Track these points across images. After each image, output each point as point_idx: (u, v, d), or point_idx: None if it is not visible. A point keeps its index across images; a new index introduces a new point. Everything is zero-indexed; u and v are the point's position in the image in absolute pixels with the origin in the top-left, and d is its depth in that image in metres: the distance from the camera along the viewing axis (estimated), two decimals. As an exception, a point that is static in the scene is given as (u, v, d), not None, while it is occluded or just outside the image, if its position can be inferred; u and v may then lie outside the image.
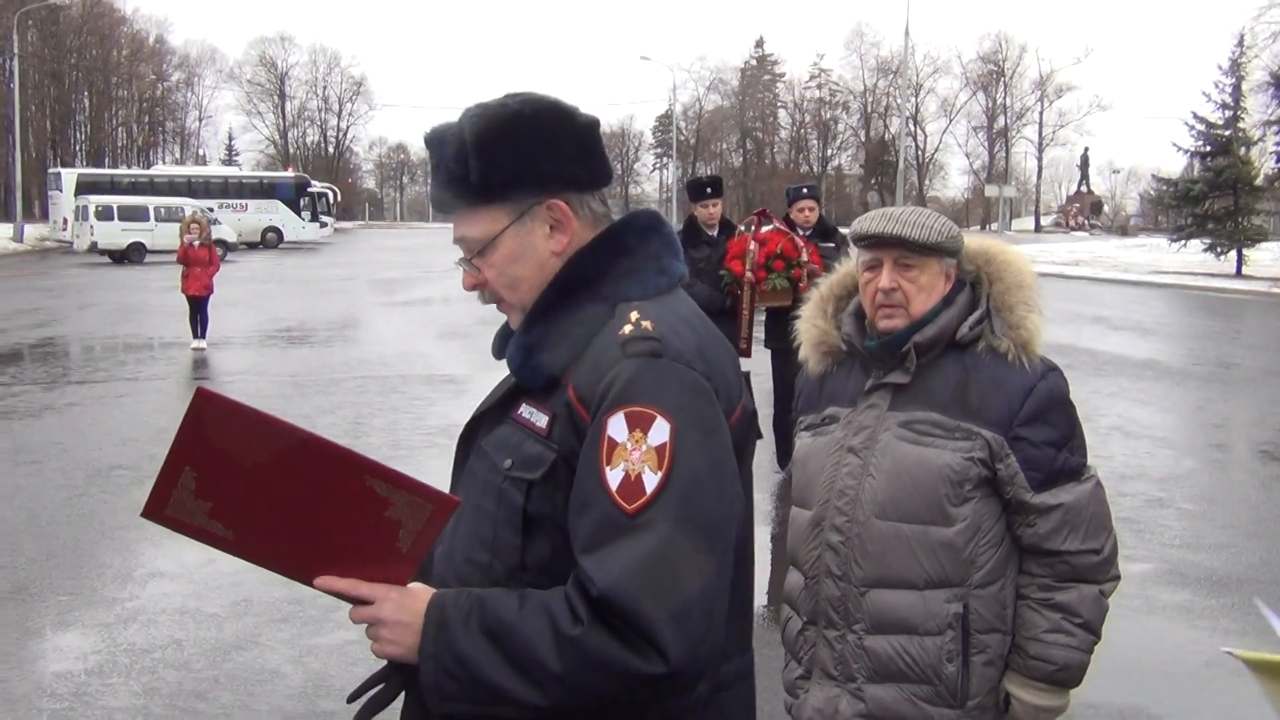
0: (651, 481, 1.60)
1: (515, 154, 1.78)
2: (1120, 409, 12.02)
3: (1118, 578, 2.56)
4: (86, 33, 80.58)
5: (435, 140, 1.83)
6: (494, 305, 1.90)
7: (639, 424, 1.63)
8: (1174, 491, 8.59)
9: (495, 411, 1.88)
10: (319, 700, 4.82)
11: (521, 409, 1.80)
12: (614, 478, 1.62)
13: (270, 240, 51.50)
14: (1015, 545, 2.51)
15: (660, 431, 1.62)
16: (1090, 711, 4.72)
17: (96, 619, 5.83)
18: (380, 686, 1.79)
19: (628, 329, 1.71)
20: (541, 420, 1.75)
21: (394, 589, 1.70)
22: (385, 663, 1.78)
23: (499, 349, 1.92)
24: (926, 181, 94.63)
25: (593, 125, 1.86)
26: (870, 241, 2.56)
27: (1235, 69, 41.03)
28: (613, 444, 1.63)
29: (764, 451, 8.68)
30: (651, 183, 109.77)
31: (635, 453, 1.61)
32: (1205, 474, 9.33)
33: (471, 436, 1.92)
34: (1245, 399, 13.10)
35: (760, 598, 5.67)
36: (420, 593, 1.71)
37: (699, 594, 1.60)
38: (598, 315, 1.77)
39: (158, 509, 1.65)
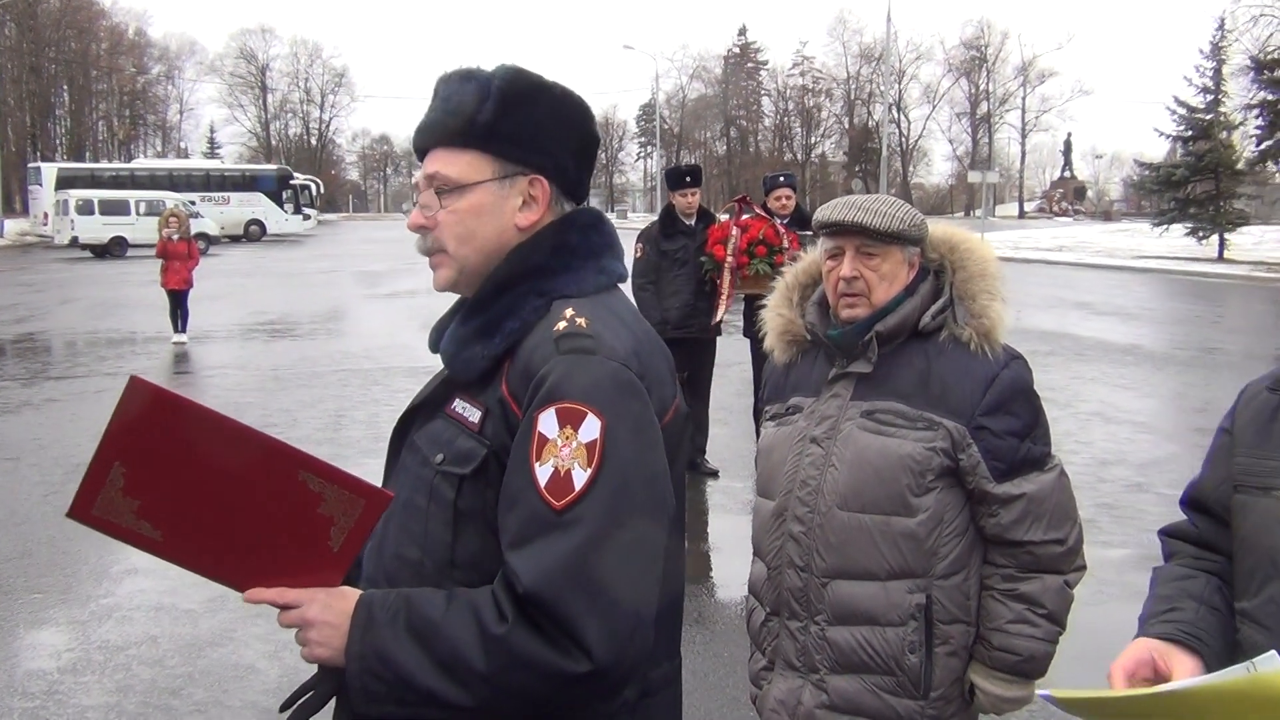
0: (581, 478, 1.59)
1: (530, 117, 1.78)
2: (1101, 394, 12.05)
3: (1083, 568, 2.54)
4: (65, 26, 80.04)
5: (460, 75, 1.82)
6: (428, 257, 1.86)
7: (570, 420, 1.61)
8: (1154, 476, 8.61)
9: (429, 405, 1.86)
10: (293, 696, 4.79)
11: (455, 403, 1.78)
12: (543, 474, 1.60)
13: (253, 233, 51.34)
14: (979, 536, 2.50)
15: (591, 428, 1.60)
16: (1066, 698, 4.72)
17: (70, 616, 5.79)
18: (311, 693, 1.75)
19: (562, 325, 1.70)
20: (474, 415, 1.73)
21: (320, 590, 1.68)
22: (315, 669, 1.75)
23: (435, 341, 1.90)
24: (910, 168, 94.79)
25: (597, 141, 1.90)
26: (832, 230, 2.53)
27: (1216, 53, 41.25)
28: (543, 440, 1.61)
29: (747, 441, 8.67)
30: (636, 172, 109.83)
31: (565, 449, 1.60)
32: (1186, 459, 9.32)
33: (405, 430, 1.90)
34: (1227, 383, 13.11)
35: (741, 589, 5.65)
36: (348, 593, 1.69)
37: (626, 593, 1.58)
38: (534, 310, 1.75)
39: (84, 508, 1.61)
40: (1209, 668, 1.64)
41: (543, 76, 1.82)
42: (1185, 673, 1.65)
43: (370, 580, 1.80)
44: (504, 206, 1.80)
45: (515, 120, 1.77)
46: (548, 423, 1.61)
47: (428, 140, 1.83)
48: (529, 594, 1.55)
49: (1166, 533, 1.99)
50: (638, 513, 1.62)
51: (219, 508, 1.62)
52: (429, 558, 1.73)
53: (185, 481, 1.60)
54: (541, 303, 1.76)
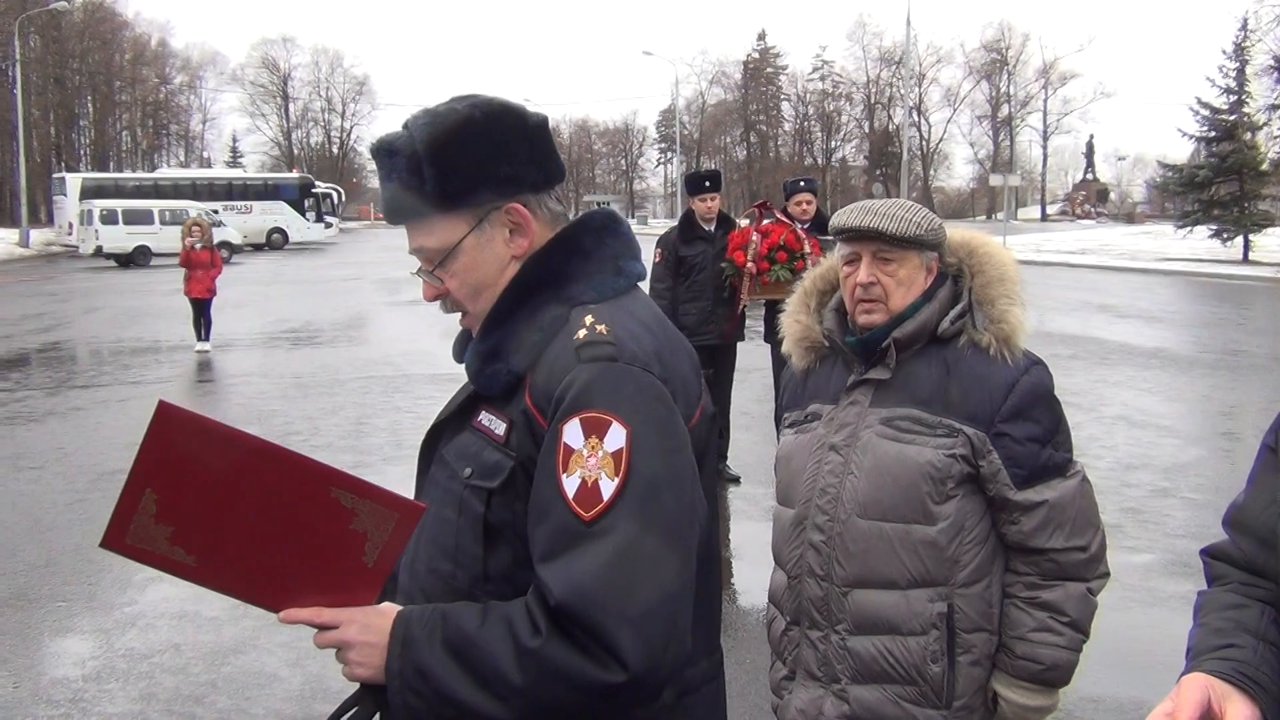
0: (608, 488, 1.58)
1: (470, 159, 1.74)
2: (1126, 398, 11.97)
3: (1106, 575, 2.51)
4: (89, 37, 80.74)
5: (384, 150, 1.78)
6: (457, 315, 1.87)
7: (595, 430, 1.60)
8: (1179, 481, 8.54)
9: (456, 419, 1.85)
10: (315, 704, 4.80)
11: (481, 416, 1.77)
12: (570, 485, 1.59)
13: (275, 241, 51.61)
14: (1001, 543, 2.47)
15: (616, 437, 1.59)
16: (1092, 705, 4.69)
17: (95, 624, 5.82)
18: (354, 711, 1.75)
19: (582, 333, 1.69)
20: (500, 427, 1.73)
21: (359, 610, 1.68)
22: (357, 686, 1.75)
23: (459, 352, 1.90)
24: (931, 172, 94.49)
25: (543, 124, 1.83)
26: (849, 235, 2.52)
27: (1239, 53, 40.92)
28: (569, 451, 1.60)
29: (769, 446, 8.64)
30: (656, 178, 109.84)
31: (591, 459, 1.59)
32: (1211, 463, 9.26)
33: (433, 444, 1.90)
34: (1253, 386, 13.02)
35: (763, 596, 5.64)
36: (385, 611, 1.69)
37: (659, 601, 1.57)
38: (554, 319, 1.74)
39: (118, 538, 1.60)
40: (1265, 715, 1.57)
41: (454, 107, 1.77)
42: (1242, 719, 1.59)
43: (405, 594, 1.80)
44: (494, 248, 1.79)
45: (457, 171, 1.74)
46: (572, 433, 1.61)
47: (395, 221, 1.82)
48: (561, 606, 1.54)
49: (1209, 553, 1.90)
50: (667, 519, 1.61)
51: (252, 529, 1.61)
52: (461, 571, 1.73)
53: (217, 505, 1.59)
54: (561, 311, 1.74)
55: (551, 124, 1.89)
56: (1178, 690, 1.56)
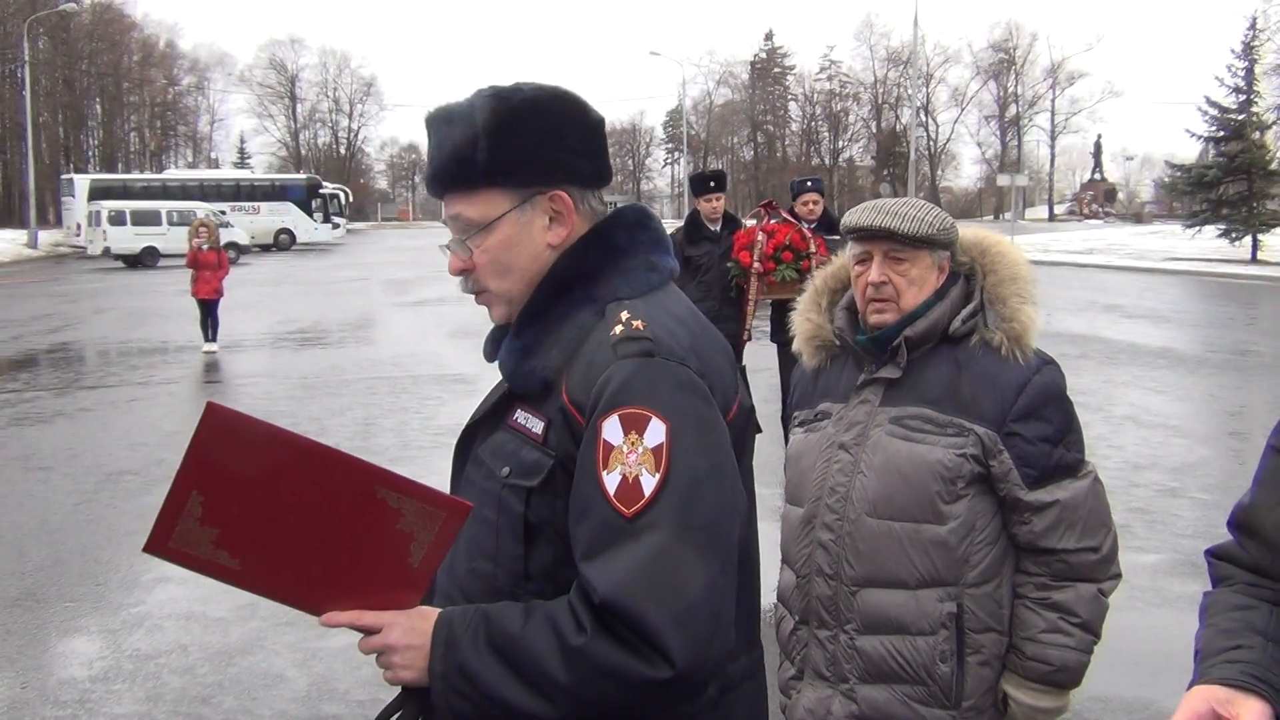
0: (649, 484, 1.57)
1: (526, 140, 1.75)
2: (1134, 398, 11.94)
3: (1118, 576, 2.49)
4: (97, 38, 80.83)
5: (442, 118, 1.79)
6: (475, 296, 1.86)
7: (634, 426, 1.59)
8: (1187, 481, 8.51)
9: (491, 418, 1.84)
10: (322, 704, 4.79)
11: (517, 414, 1.77)
12: (611, 482, 1.58)
13: (283, 242, 51.63)
14: (1011, 544, 2.46)
15: (656, 432, 1.59)
16: (1099, 705, 4.67)
17: (102, 625, 5.82)
18: (398, 715, 1.74)
19: (619, 329, 1.68)
20: (537, 426, 1.72)
21: (400, 613, 1.67)
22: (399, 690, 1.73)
23: (491, 351, 1.89)
24: (939, 172, 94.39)
25: (601, 122, 1.85)
26: (860, 234, 2.51)
27: (1248, 52, 40.89)
28: (608, 447, 1.60)
29: (775, 446, 8.63)
30: (663, 178, 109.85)
31: (632, 455, 1.58)
32: (1219, 463, 9.24)
33: (468, 444, 1.89)
34: (1261, 386, 12.98)
35: (769, 595, 5.64)
36: (427, 613, 1.68)
37: (703, 596, 1.56)
38: (589, 316, 1.73)
39: (161, 542, 1.58)
40: (1278, 715, 1.55)
41: (519, 87, 1.78)
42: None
43: (445, 595, 1.79)
44: (531, 231, 1.78)
45: (512, 148, 1.74)
46: (612, 429, 1.60)
47: (439, 189, 1.82)
48: (606, 603, 1.54)
49: (1214, 554, 1.87)
50: (709, 514, 1.60)
51: (297, 531, 1.60)
52: (502, 570, 1.73)
53: (263, 507, 1.58)
54: (596, 307, 1.74)
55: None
56: (1183, 705, 1.55)
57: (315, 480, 1.58)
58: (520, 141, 1.74)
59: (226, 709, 4.82)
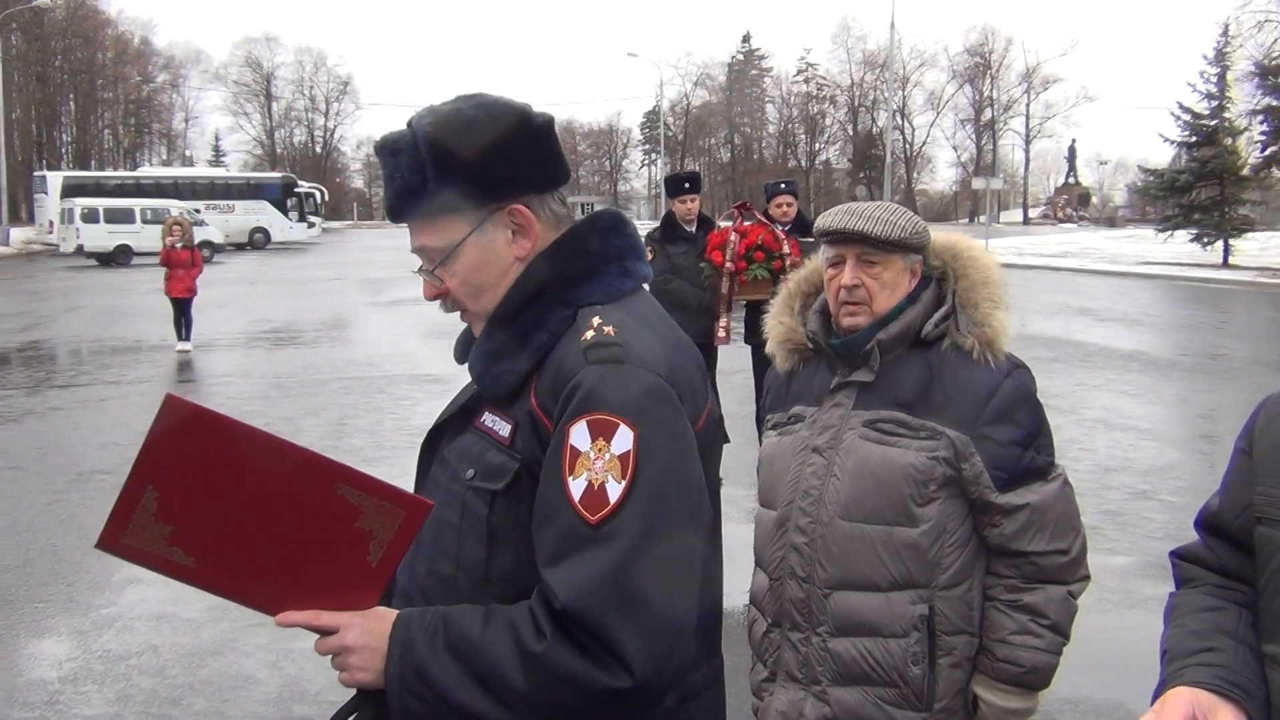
0: (615, 491, 1.56)
1: (473, 160, 1.72)
2: (1106, 400, 12.02)
3: (1087, 578, 2.51)
4: (71, 35, 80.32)
5: (387, 149, 1.77)
6: (457, 314, 1.85)
7: (602, 432, 1.59)
8: (1158, 484, 8.57)
9: (458, 419, 1.84)
10: (294, 706, 4.77)
11: (484, 417, 1.76)
12: (577, 488, 1.57)
13: (258, 241, 51.38)
14: (982, 546, 2.47)
15: (624, 440, 1.58)
16: (1069, 707, 4.70)
17: (72, 625, 5.78)
18: (353, 717, 1.73)
19: (590, 334, 1.67)
20: (504, 429, 1.71)
21: (357, 614, 1.65)
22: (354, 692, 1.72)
23: (461, 353, 1.88)
24: (915, 175, 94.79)
25: (548, 124, 1.82)
26: (833, 237, 2.52)
27: (1220, 59, 41.16)
28: (575, 453, 1.59)
29: (751, 448, 8.64)
30: (640, 179, 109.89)
31: (598, 462, 1.58)
32: (1190, 466, 9.31)
33: (434, 444, 1.88)
34: (1232, 390, 13.08)
35: (742, 597, 5.65)
36: (385, 614, 1.67)
37: (665, 606, 1.56)
38: (560, 321, 1.73)
39: (114, 538, 1.56)
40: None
41: (458, 106, 1.76)
42: None
43: (404, 596, 1.78)
44: (496, 249, 1.77)
45: (460, 172, 1.72)
46: (579, 435, 1.59)
47: (398, 219, 1.80)
48: (567, 610, 1.53)
49: (1180, 556, 1.87)
50: (674, 523, 1.60)
51: (254, 528, 1.58)
52: (463, 574, 1.72)
53: (220, 503, 1.56)
54: (568, 312, 1.73)
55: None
56: (1163, 703, 1.55)
57: (273, 475, 1.56)
58: (467, 163, 1.72)
59: (197, 710, 4.79)
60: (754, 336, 8.22)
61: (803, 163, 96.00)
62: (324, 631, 1.66)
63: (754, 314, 8.13)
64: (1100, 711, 4.73)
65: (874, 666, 2.43)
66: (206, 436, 1.53)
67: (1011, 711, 2.45)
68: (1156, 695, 1.59)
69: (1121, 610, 5.89)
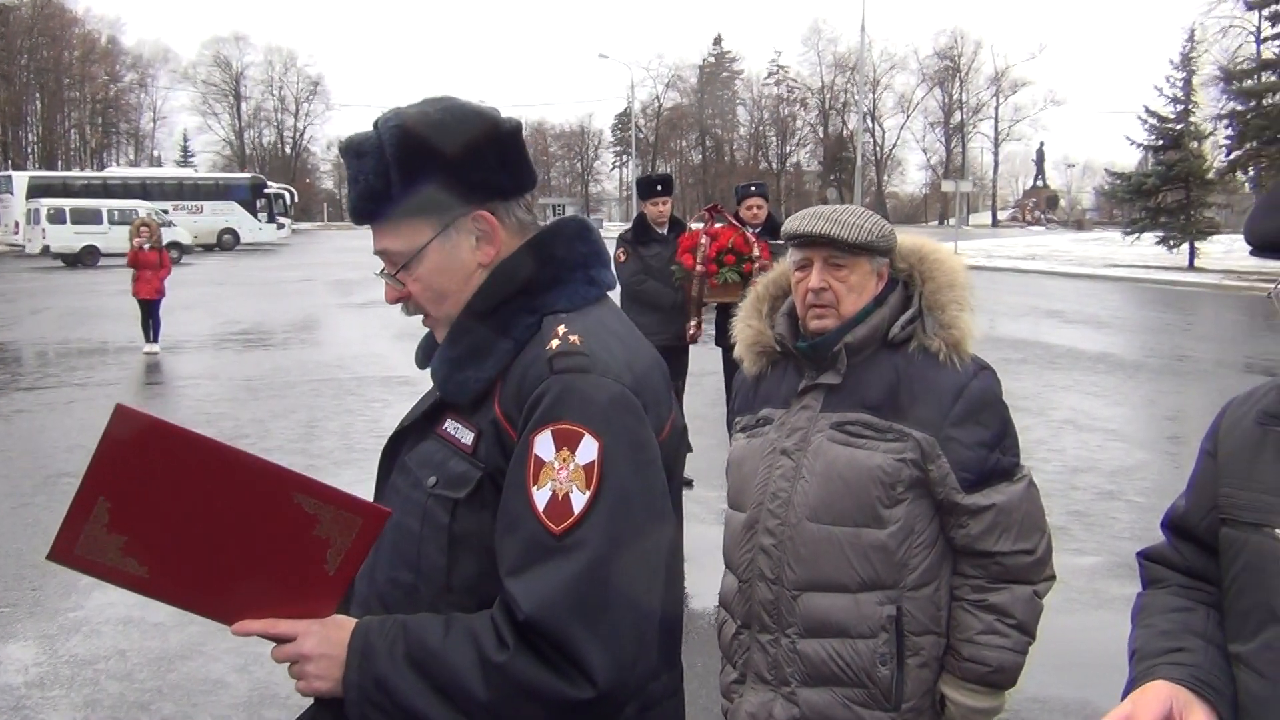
0: (579, 501, 1.56)
1: (438, 165, 1.71)
2: (1073, 402, 12.11)
3: (1052, 578, 2.54)
4: (37, 33, 79.49)
5: (352, 151, 1.76)
6: (419, 318, 1.85)
7: (566, 442, 1.58)
8: (1125, 484, 8.65)
9: (420, 425, 1.83)
10: (263, 710, 4.75)
11: (447, 424, 1.75)
12: (541, 498, 1.57)
13: (226, 242, 51.01)
14: (949, 547, 2.49)
15: (588, 450, 1.58)
16: (1037, 706, 4.74)
17: (38, 630, 5.72)
18: None
19: (555, 343, 1.66)
20: (467, 437, 1.70)
21: (315, 622, 1.64)
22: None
23: (423, 358, 1.87)
24: (885, 177, 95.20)
25: (515, 130, 1.80)
26: (800, 241, 2.53)
27: (1186, 63, 41.57)
28: (540, 463, 1.58)
29: (723, 450, 8.67)
30: (611, 181, 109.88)
31: (563, 472, 1.57)
32: (1157, 466, 9.39)
33: (395, 450, 1.87)
34: (1198, 391, 13.21)
35: (713, 600, 5.65)
36: (344, 623, 1.65)
37: (628, 616, 1.56)
38: (525, 328, 1.72)
39: (66, 549, 1.55)
40: (1224, 719, 1.56)
41: (424, 110, 1.74)
42: None
43: (363, 603, 1.76)
44: (459, 255, 1.76)
45: (425, 176, 1.71)
46: (544, 445, 1.59)
47: (362, 221, 1.80)
48: (530, 621, 1.53)
49: (1147, 557, 1.89)
50: (638, 533, 1.59)
51: (209, 538, 1.57)
52: (423, 582, 1.70)
53: (174, 513, 1.54)
54: (533, 320, 1.72)
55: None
56: (1141, 695, 1.56)
57: (227, 485, 1.55)
58: (432, 168, 1.71)
59: (166, 715, 4.76)
60: (725, 339, 8.25)
61: (774, 165, 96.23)
62: (281, 640, 1.64)
63: (725, 316, 8.16)
64: (1068, 710, 4.77)
65: (842, 667, 2.45)
66: (158, 446, 1.52)
67: (978, 710, 2.48)
68: (1125, 695, 1.61)
69: (1089, 610, 5.93)
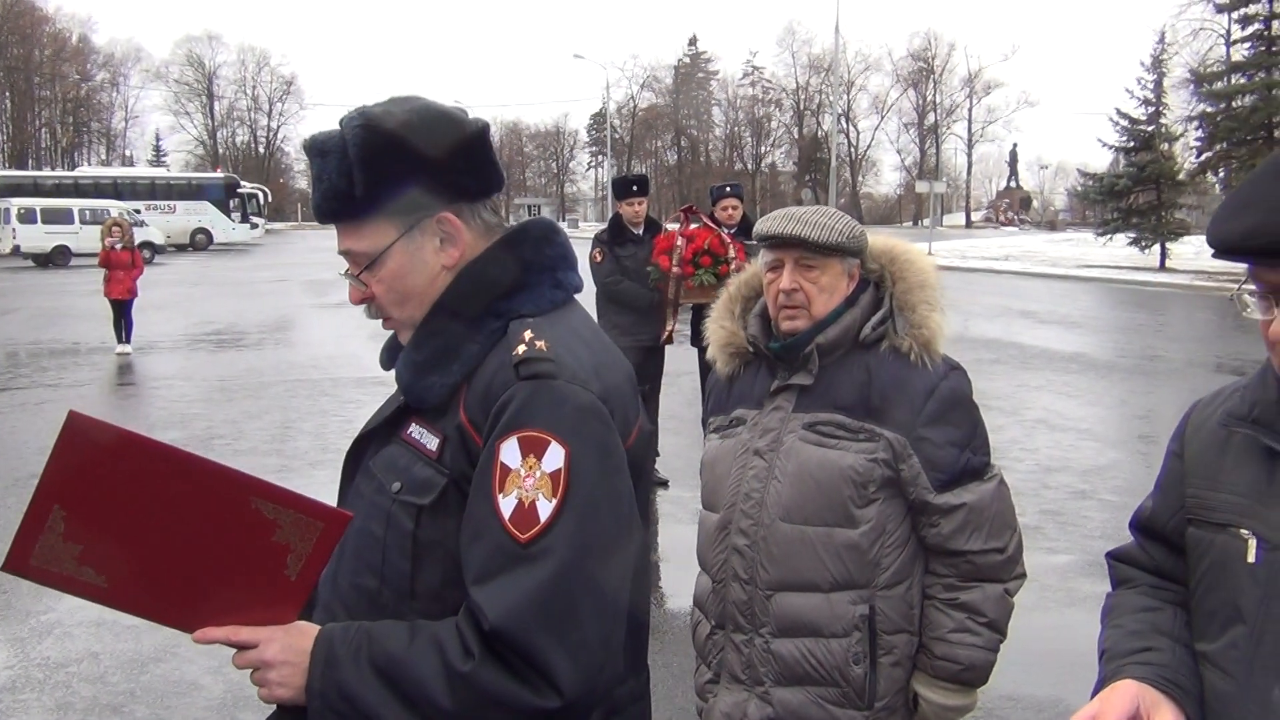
0: (545, 509, 1.55)
1: (403, 166, 1.70)
2: (1046, 401, 12.18)
3: (1023, 576, 2.56)
4: (7, 32, 78.95)
5: (315, 150, 1.73)
6: (382, 320, 1.84)
7: (533, 449, 1.57)
8: (1097, 484, 8.71)
9: (384, 429, 1.81)
10: (237, 712, 4.74)
11: (411, 429, 1.73)
12: (506, 506, 1.56)
13: (199, 242, 50.74)
14: (921, 546, 2.51)
15: (554, 457, 1.57)
16: (1010, 704, 4.77)
17: (10, 633, 5.68)
18: None
19: (521, 349, 1.65)
20: (432, 442, 1.69)
21: (278, 629, 1.62)
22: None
23: (387, 360, 1.86)
24: (860, 178, 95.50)
25: (482, 131, 1.78)
26: (772, 242, 2.54)
27: (1157, 66, 41.85)
28: (505, 470, 1.57)
29: (698, 450, 8.69)
30: (587, 181, 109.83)
31: (529, 480, 1.56)
32: (1128, 465, 9.46)
33: (359, 454, 1.85)
34: (1169, 391, 13.31)
35: (688, 600, 5.65)
36: (307, 629, 1.64)
37: (595, 625, 1.55)
38: (491, 333, 1.70)
39: (22, 560, 1.52)
40: (1191, 717, 1.58)
41: (390, 110, 1.72)
42: None
43: (326, 609, 1.75)
44: (423, 256, 1.75)
45: (389, 177, 1.69)
46: (510, 452, 1.57)
47: (326, 221, 1.78)
48: (496, 630, 1.52)
49: (1116, 557, 1.91)
50: (605, 541, 1.59)
51: (167, 546, 1.55)
52: (387, 588, 1.69)
53: (130, 521, 1.52)
54: (499, 324, 1.71)
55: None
56: (1109, 694, 1.58)
57: (184, 490, 1.53)
58: (397, 169, 1.70)
59: (139, 718, 4.73)
60: (700, 339, 8.27)
61: (749, 166, 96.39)
62: (243, 647, 1.63)
63: (700, 317, 8.17)
64: (1039, 708, 4.81)
65: (816, 666, 2.46)
66: (112, 453, 1.50)
67: (950, 708, 2.49)
68: (1094, 694, 1.63)
69: (1061, 608, 5.98)
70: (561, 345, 1.67)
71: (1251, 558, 1.55)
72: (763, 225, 2.56)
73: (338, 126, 1.74)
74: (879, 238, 2.68)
